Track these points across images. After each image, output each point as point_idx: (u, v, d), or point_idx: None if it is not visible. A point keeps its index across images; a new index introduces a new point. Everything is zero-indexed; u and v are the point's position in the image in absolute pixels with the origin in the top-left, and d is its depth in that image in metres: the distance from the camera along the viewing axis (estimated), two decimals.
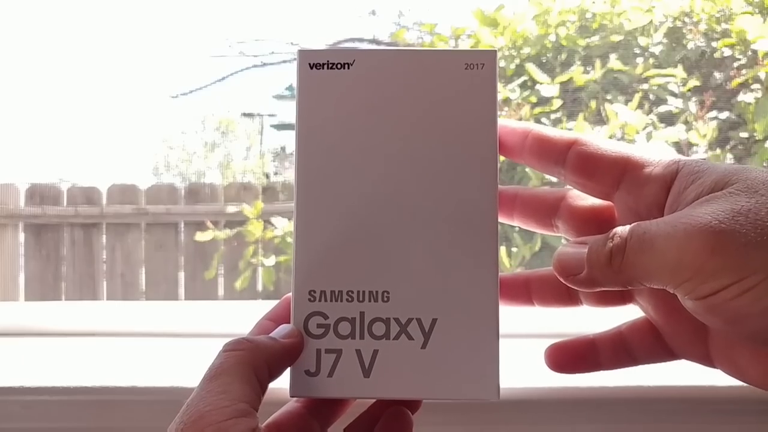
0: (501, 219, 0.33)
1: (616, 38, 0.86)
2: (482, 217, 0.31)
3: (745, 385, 0.32)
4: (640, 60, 0.85)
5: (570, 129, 0.82)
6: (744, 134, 0.82)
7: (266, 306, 0.33)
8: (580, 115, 0.83)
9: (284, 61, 0.91)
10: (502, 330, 0.31)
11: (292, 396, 0.31)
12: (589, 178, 0.31)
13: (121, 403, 0.43)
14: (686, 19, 0.86)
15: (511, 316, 0.42)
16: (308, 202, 0.31)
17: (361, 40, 0.90)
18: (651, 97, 0.84)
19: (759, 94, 0.81)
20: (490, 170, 0.31)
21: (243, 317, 0.36)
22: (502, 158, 0.33)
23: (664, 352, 0.32)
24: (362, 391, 0.31)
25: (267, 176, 1.01)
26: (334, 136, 0.32)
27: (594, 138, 0.31)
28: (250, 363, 0.28)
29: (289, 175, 0.97)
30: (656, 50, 0.86)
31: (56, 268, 0.92)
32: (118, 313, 0.60)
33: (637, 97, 0.82)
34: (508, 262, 0.82)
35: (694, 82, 0.83)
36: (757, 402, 0.41)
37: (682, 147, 0.81)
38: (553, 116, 0.85)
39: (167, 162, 1.04)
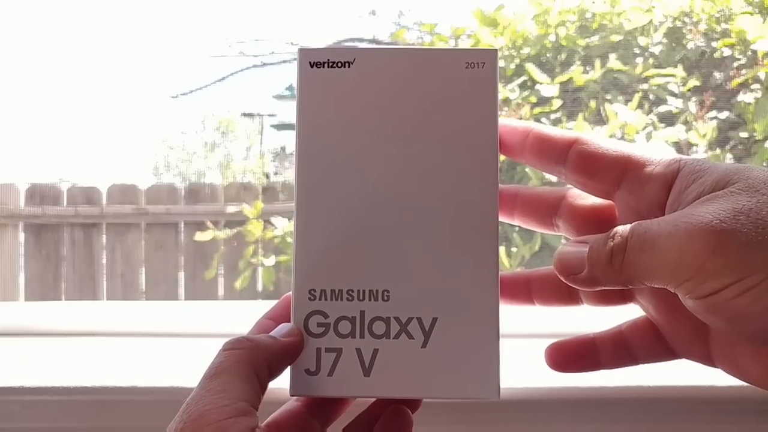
0: (501, 218, 0.33)
1: (615, 38, 0.86)
2: (482, 215, 0.31)
3: (745, 385, 0.32)
4: (639, 60, 0.85)
5: (570, 129, 0.82)
6: (744, 134, 0.82)
7: (266, 306, 0.33)
8: (580, 115, 0.83)
9: (284, 61, 0.91)
10: (502, 330, 0.31)
11: (292, 395, 0.31)
12: (590, 177, 0.31)
13: (121, 403, 0.43)
14: (686, 19, 0.86)
15: (511, 316, 0.42)
16: (308, 200, 0.31)
17: (361, 40, 0.90)
18: (651, 97, 0.84)
19: (759, 94, 0.81)
20: (491, 169, 0.31)
21: (243, 317, 0.36)
22: (502, 157, 0.33)
23: (665, 352, 0.32)
24: (362, 390, 0.31)
25: (267, 176, 1.01)
26: (335, 135, 0.31)
27: (595, 137, 0.31)
28: (250, 362, 0.28)
29: (289, 175, 0.97)
30: (656, 50, 0.86)
31: (56, 268, 0.92)
32: (118, 313, 0.60)
33: (636, 97, 0.82)
34: (508, 262, 0.82)
35: (693, 82, 0.83)
36: (757, 402, 0.41)
37: (681, 147, 0.81)
38: (552, 116, 0.85)
39: (167, 162, 1.04)
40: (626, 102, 0.83)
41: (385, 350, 0.31)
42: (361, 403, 0.33)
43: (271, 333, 0.30)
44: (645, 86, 0.84)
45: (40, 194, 0.91)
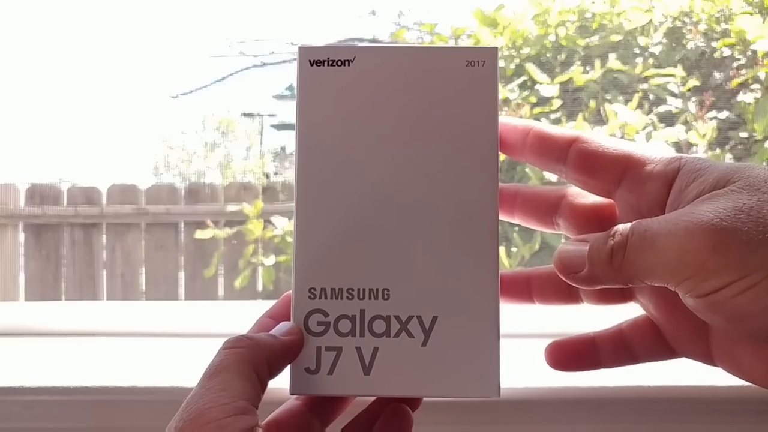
0: (502, 217, 0.33)
1: (615, 38, 0.86)
2: (483, 213, 0.31)
3: (745, 385, 0.32)
4: (639, 60, 0.85)
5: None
6: (744, 134, 0.82)
7: (266, 306, 0.33)
8: (580, 115, 0.83)
9: (284, 61, 0.91)
10: (502, 330, 0.31)
11: (292, 393, 0.31)
12: (591, 176, 0.31)
13: (121, 403, 0.43)
14: (686, 19, 0.86)
15: (511, 316, 0.42)
16: (308, 199, 0.31)
17: (361, 40, 0.90)
18: (651, 97, 0.84)
19: (759, 94, 0.81)
20: (491, 168, 0.31)
21: (243, 317, 0.36)
22: (502, 157, 0.33)
23: (665, 351, 0.32)
24: (362, 388, 0.31)
25: (267, 176, 1.01)
26: (335, 133, 0.31)
27: (595, 135, 0.31)
28: (250, 360, 0.28)
29: (289, 175, 0.97)
30: (656, 50, 0.86)
31: (56, 268, 0.92)
32: (118, 313, 0.60)
33: (636, 97, 0.82)
34: (508, 262, 0.82)
35: (693, 82, 0.83)
36: (757, 402, 0.41)
37: (681, 147, 0.81)
38: (552, 116, 0.85)
39: (167, 162, 1.04)
40: (626, 102, 0.83)
41: (386, 349, 0.31)
42: (360, 402, 0.33)
43: (272, 332, 0.30)
44: (645, 86, 0.84)
45: (40, 194, 0.91)
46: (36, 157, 0.88)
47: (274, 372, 0.29)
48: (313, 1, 0.87)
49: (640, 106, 0.82)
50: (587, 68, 0.85)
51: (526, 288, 0.34)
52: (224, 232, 0.91)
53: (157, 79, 0.87)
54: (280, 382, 0.30)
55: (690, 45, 0.85)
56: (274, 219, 0.89)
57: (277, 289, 0.90)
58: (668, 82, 0.83)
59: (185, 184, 0.96)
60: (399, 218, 0.31)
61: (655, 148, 0.31)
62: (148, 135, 0.96)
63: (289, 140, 0.99)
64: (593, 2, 0.88)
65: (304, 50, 0.32)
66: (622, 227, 0.27)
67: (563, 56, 0.87)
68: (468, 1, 0.89)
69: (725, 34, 0.84)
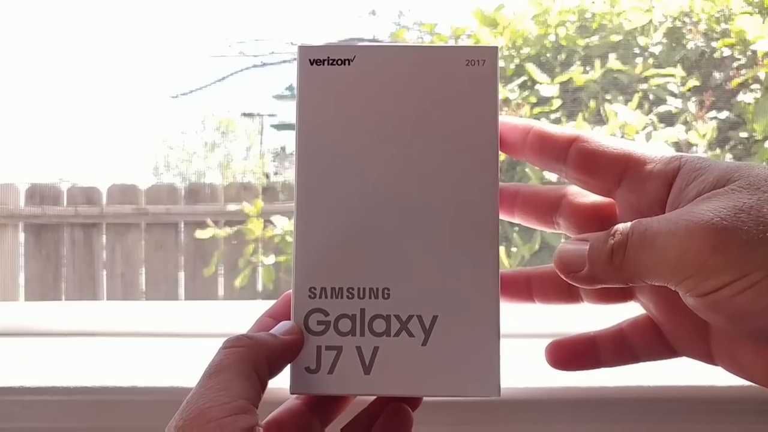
0: (502, 216, 0.33)
1: (615, 38, 0.86)
2: (483, 213, 0.31)
3: (745, 384, 0.32)
4: (639, 60, 0.85)
5: None
6: (744, 134, 0.82)
7: (266, 306, 0.33)
8: (580, 115, 0.83)
9: (284, 61, 0.91)
10: (502, 330, 0.31)
11: (292, 393, 0.31)
12: (591, 175, 0.31)
13: (121, 403, 0.43)
14: (686, 19, 0.86)
15: (512, 316, 0.42)
16: (308, 198, 0.31)
17: (361, 39, 0.90)
18: (650, 97, 0.84)
19: (759, 94, 0.81)
20: (491, 167, 0.31)
21: (243, 317, 0.36)
22: (502, 156, 0.33)
23: (666, 350, 0.32)
24: (363, 388, 0.31)
25: (267, 176, 1.01)
26: (335, 133, 0.31)
27: (595, 135, 0.31)
28: (250, 360, 0.28)
29: (289, 175, 0.97)
30: (656, 50, 0.86)
31: (56, 268, 0.92)
32: (118, 313, 0.60)
33: (636, 97, 0.82)
34: (508, 262, 0.82)
35: (693, 82, 0.83)
36: (757, 402, 0.41)
37: (681, 147, 0.81)
38: (552, 116, 0.85)
39: (167, 162, 1.04)
40: (626, 102, 0.83)
41: (386, 348, 0.31)
42: (360, 402, 0.33)
43: (272, 331, 0.30)
44: (645, 86, 0.84)
45: (40, 194, 0.91)
46: (36, 157, 0.88)
47: (274, 371, 0.29)
48: (313, 1, 0.87)
49: (640, 106, 0.82)
50: (587, 68, 0.85)
51: (526, 287, 0.34)
52: (224, 232, 0.91)
53: (157, 79, 0.87)
54: (280, 382, 0.30)
55: (690, 45, 0.85)
56: (274, 218, 0.89)
57: (277, 289, 0.90)
58: (668, 82, 0.83)
59: (185, 184, 0.96)
60: (399, 217, 0.31)
61: (655, 147, 0.31)
62: (148, 135, 0.96)
63: (289, 140, 0.99)
64: (593, 2, 0.88)
65: (304, 49, 0.32)
66: (622, 226, 0.27)
67: (563, 56, 0.87)
68: (468, 1, 0.89)
69: (725, 34, 0.84)
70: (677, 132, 0.82)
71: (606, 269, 0.27)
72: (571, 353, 0.33)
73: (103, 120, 0.88)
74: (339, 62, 0.32)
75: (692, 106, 0.83)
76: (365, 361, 0.31)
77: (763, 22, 0.80)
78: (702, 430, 0.42)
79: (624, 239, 0.26)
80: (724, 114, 0.82)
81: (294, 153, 0.32)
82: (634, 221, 0.27)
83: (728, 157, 0.82)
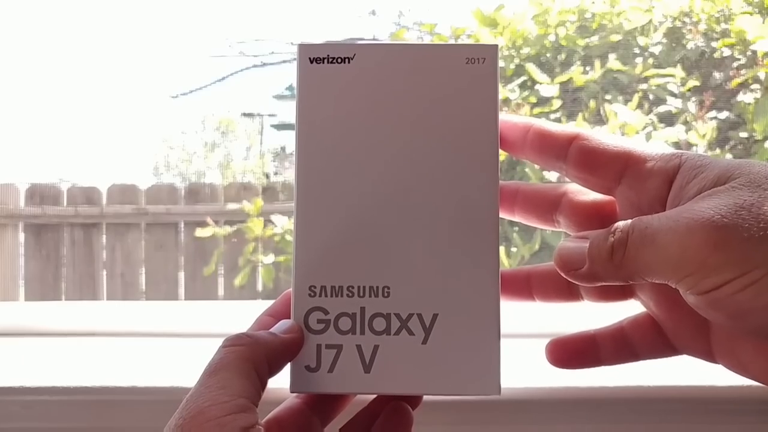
0: (502, 214, 0.33)
1: (615, 38, 0.86)
2: (483, 211, 0.31)
3: (745, 384, 0.32)
4: (639, 60, 0.85)
5: None
6: (743, 134, 0.82)
7: (266, 306, 0.33)
8: (580, 115, 0.83)
9: (284, 61, 0.91)
10: (502, 330, 0.31)
11: (292, 391, 0.31)
12: (591, 173, 0.31)
13: (121, 403, 0.43)
14: (686, 19, 0.86)
15: (512, 316, 0.42)
16: (308, 196, 0.31)
17: (360, 40, 0.90)
18: (650, 97, 0.84)
19: (758, 94, 0.81)
20: (491, 166, 0.31)
21: (243, 317, 0.36)
22: (502, 155, 0.33)
23: (666, 348, 0.32)
24: (363, 386, 0.31)
25: (267, 176, 1.01)
26: (335, 131, 0.31)
27: (595, 133, 0.31)
28: (249, 358, 0.28)
29: (289, 175, 0.98)
30: (656, 50, 0.86)
31: (56, 268, 0.92)
32: (118, 313, 0.60)
33: (636, 97, 0.82)
34: (508, 262, 0.82)
35: (693, 82, 0.83)
36: (757, 402, 0.41)
37: (681, 147, 0.81)
38: (552, 116, 0.85)
39: (167, 162, 1.04)
40: (626, 102, 0.83)
41: (386, 346, 0.31)
42: (359, 402, 0.33)
43: (271, 329, 0.30)
44: (645, 86, 0.84)
45: (40, 194, 0.91)
46: (36, 157, 0.88)
47: (274, 370, 0.29)
48: (313, 1, 0.87)
49: (640, 106, 0.82)
50: (587, 68, 0.85)
51: (526, 285, 0.34)
52: (224, 231, 0.91)
53: (157, 79, 0.87)
54: (280, 381, 0.30)
55: (690, 45, 0.85)
56: (274, 217, 0.89)
57: (276, 288, 0.90)
58: (668, 82, 0.83)
59: (185, 184, 0.96)
60: (399, 215, 0.31)
61: (655, 145, 0.31)
62: (148, 135, 0.96)
63: (289, 140, 0.99)
64: (593, 2, 0.88)
65: (303, 47, 0.32)
66: (622, 224, 0.27)
67: (563, 56, 0.87)
68: (468, 1, 0.89)
69: (725, 34, 0.84)
70: (677, 132, 0.82)
71: (606, 267, 0.27)
72: (571, 351, 0.33)
73: (103, 120, 0.88)
74: (339, 60, 0.32)
75: (692, 106, 0.83)
76: (365, 359, 0.30)
77: (763, 22, 0.80)
78: (702, 430, 0.42)
79: (624, 237, 0.26)
80: (724, 114, 0.82)
81: (294, 151, 0.32)
82: (634, 219, 0.27)
83: (728, 157, 0.82)
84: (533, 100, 0.85)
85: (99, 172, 0.93)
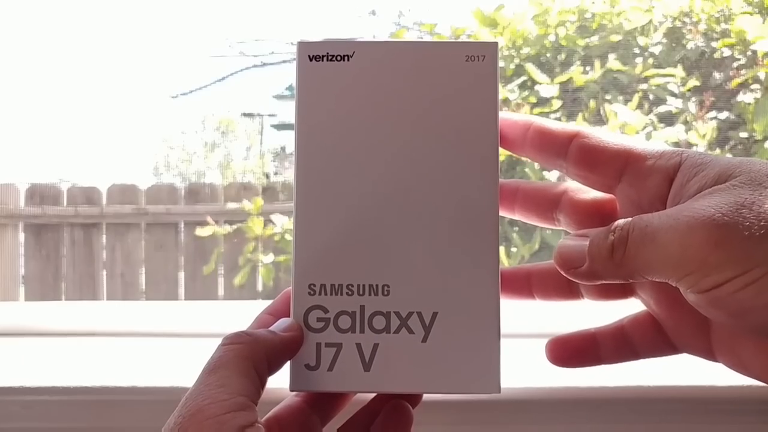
0: (502, 212, 0.33)
1: (615, 38, 0.86)
2: (483, 209, 0.31)
3: (745, 384, 0.31)
4: (639, 60, 0.85)
5: None
6: (744, 134, 0.82)
7: (266, 305, 0.33)
8: (580, 116, 0.83)
9: (284, 61, 0.91)
10: (502, 330, 0.31)
11: (292, 390, 0.31)
12: (591, 171, 0.31)
13: (121, 403, 0.43)
14: (686, 19, 0.86)
15: (512, 316, 0.42)
16: (308, 194, 0.31)
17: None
18: (650, 97, 0.84)
19: (758, 94, 0.81)
20: (491, 164, 0.31)
21: (243, 317, 0.36)
22: (502, 155, 0.33)
23: (666, 346, 0.32)
24: (362, 385, 0.31)
25: (267, 176, 1.01)
26: (334, 128, 0.31)
27: (596, 131, 0.31)
28: (249, 357, 0.27)
29: (289, 175, 0.98)
30: (656, 50, 0.86)
31: (56, 268, 0.92)
32: (118, 313, 0.60)
33: (636, 97, 0.82)
34: (508, 263, 0.82)
35: (693, 82, 0.83)
36: (757, 402, 0.41)
37: (681, 147, 0.81)
38: (552, 116, 0.85)
39: (167, 162, 1.04)
40: (626, 102, 0.83)
41: (386, 345, 0.30)
42: (358, 402, 0.33)
43: (271, 328, 0.30)
44: (645, 86, 0.84)
45: (40, 194, 0.91)
46: (36, 157, 0.88)
47: (273, 368, 0.29)
48: (313, 1, 0.87)
49: (639, 106, 0.82)
50: (587, 68, 0.85)
51: (526, 283, 0.34)
52: (224, 230, 0.91)
53: (157, 79, 0.88)
54: (280, 380, 0.30)
55: (690, 45, 0.85)
56: (274, 217, 0.89)
57: (276, 287, 0.90)
58: (668, 82, 0.83)
59: (185, 184, 0.96)
60: (399, 213, 0.31)
61: (656, 143, 0.31)
62: (148, 135, 0.96)
63: (289, 140, 0.99)
64: (593, 2, 0.88)
65: (303, 45, 0.32)
66: (623, 222, 0.27)
67: (563, 56, 0.87)
68: (468, 1, 0.89)
69: (725, 34, 0.84)
70: (677, 132, 0.82)
71: (606, 265, 0.27)
72: (571, 350, 0.33)
73: (103, 120, 0.89)
74: (338, 58, 0.31)
75: (692, 106, 0.83)
76: (365, 358, 0.30)
77: (763, 22, 0.80)
78: (702, 430, 0.42)
79: (624, 235, 0.26)
80: (724, 114, 0.82)
81: (293, 149, 0.32)
82: (634, 217, 0.27)
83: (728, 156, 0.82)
84: (533, 100, 0.85)
85: (99, 172, 0.93)
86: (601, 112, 0.83)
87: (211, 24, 0.86)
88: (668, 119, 0.83)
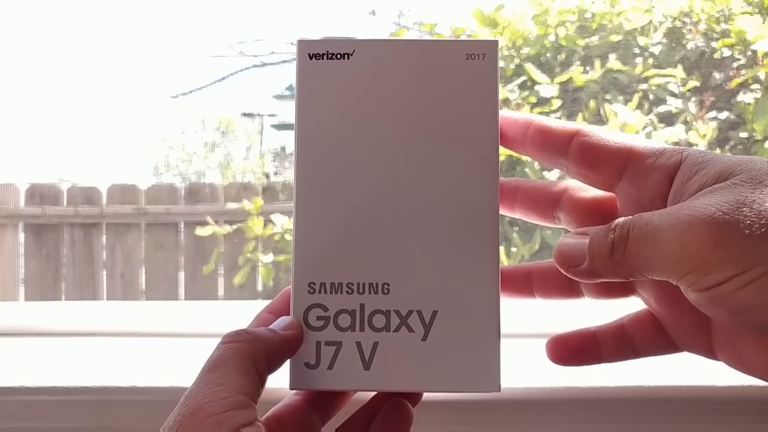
0: (502, 211, 0.33)
1: (615, 38, 0.86)
2: (483, 208, 0.31)
3: (745, 384, 0.31)
4: (639, 60, 0.85)
5: None
6: (744, 134, 0.82)
7: (266, 305, 0.33)
8: (580, 115, 0.83)
9: (284, 61, 0.91)
10: (502, 329, 0.31)
11: (291, 389, 0.31)
12: (592, 169, 0.31)
13: (121, 403, 0.43)
14: (686, 19, 0.86)
15: (512, 315, 0.42)
16: (308, 193, 0.31)
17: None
18: (650, 97, 0.84)
19: (758, 94, 0.81)
20: (492, 162, 0.31)
21: (243, 317, 0.36)
22: (503, 155, 0.33)
23: (667, 345, 0.32)
24: (362, 383, 0.30)
25: (267, 176, 1.01)
26: (334, 127, 0.31)
27: (596, 129, 0.31)
28: (249, 355, 0.27)
29: (289, 175, 0.98)
30: (656, 50, 0.86)
31: (56, 268, 0.92)
32: (118, 313, 0.60)
33: (636, 97, 0.82)
34: (508, 263, 0.82)
35: (693, 83, 0.83)
36: (757, 402, 0.41)
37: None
38: (552, 116, 0.85)
39: (167, 162, 1.04)
40: (626, 102, 0.83)
41: (385, 343, 0.30)
42: (358, 401, 0.33)
43: (271, 326, 0.30)
44: (645, 86, 0.84)
45: (40, 194, 0.91)
46: (36, 157, 0.88)
47: (273, 367, 0.29)
48: (313, 1, 0.88)
49: (639, 106, 0.82)
50: (587, 68, 0.85)
51: (526, 282, 0.34)
52: (224, 230, 0.91)
53: (157, 79, 0.88)
54: (280, 379, 0.30)
55: (690, 45, 0.85)
56: (274, 216, 0.89)
57: (276, 287, 0.90)
58: (668, 83, 0.83)
59: (185, 184, 0.96)
60: (399, 211, 0.31)
61: (656, 141, 0.31)
62: (148, 135, 0.96)
63: (289, 140, 0.99)
64: (593, 2, 0.88)
65: (303, 43, 0.32)
66: (623, 220, 0.27)
67: (563, 56, 0.87)
68: (468, 1, 0.89)
69: (725, 34, 0.84)
70: (677, 132, 0.82)
71: (606, 264, 0.27)
72: (571, 348, 0.33)
73: (103, 120, 0.89)
74: (338, 56, 0.31)
75: (692, 106, 0.83)
76: (365, 356, 0.30)
77: (763, 22, 0.80)
78: (702, 430, 0.42)
79: (625, 233, 0.26)
80: (724, 114, 0.82)
81: (293, 148, 0.32)
82: (635, 215, 0.27)
83: None
84: (533, 100, 0.85)
85: (99, 172, 0.93)
86: (601, 112, 0.83)
87: (211, 24, 0.86)
88: (668, 119, 0.83)
